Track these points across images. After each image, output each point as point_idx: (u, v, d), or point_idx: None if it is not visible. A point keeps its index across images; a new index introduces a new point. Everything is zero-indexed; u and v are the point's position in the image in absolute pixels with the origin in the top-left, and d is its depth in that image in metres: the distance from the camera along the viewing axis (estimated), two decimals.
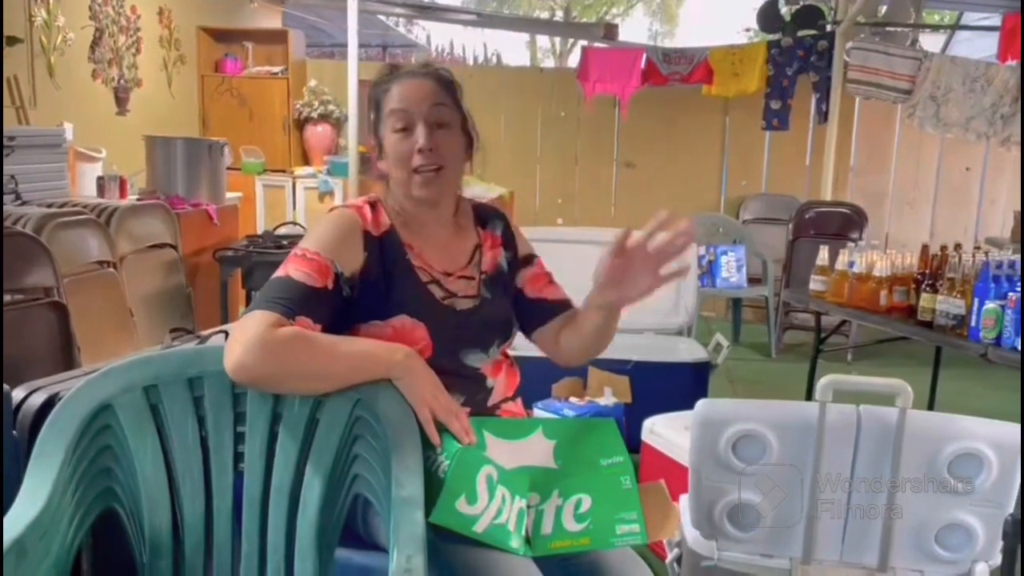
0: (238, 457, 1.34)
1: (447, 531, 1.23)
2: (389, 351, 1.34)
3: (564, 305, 1.60)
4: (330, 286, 1.36)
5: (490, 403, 1.50)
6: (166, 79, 5.50)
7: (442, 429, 1.32)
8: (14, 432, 1.47)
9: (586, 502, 1.34)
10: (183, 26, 5.63)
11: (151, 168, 4.34)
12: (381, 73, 1.52)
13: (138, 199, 3.97)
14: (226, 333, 1.94)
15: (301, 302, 1.31)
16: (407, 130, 1.43)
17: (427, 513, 1.21)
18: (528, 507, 1.33)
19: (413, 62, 1.56)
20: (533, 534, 1.31)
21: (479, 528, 1.24)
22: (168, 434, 1.32)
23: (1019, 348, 2.48)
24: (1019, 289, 2.53)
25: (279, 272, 1.36)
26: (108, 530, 1.33)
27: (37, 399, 1.53)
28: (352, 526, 1.41)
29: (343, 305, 1.39)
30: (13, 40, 3.83)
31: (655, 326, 3.59)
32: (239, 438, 1.34)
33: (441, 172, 1.44)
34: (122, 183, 3.97)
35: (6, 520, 1.12)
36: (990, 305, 2.55)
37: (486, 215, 1.61)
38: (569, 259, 3.53)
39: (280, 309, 1.28)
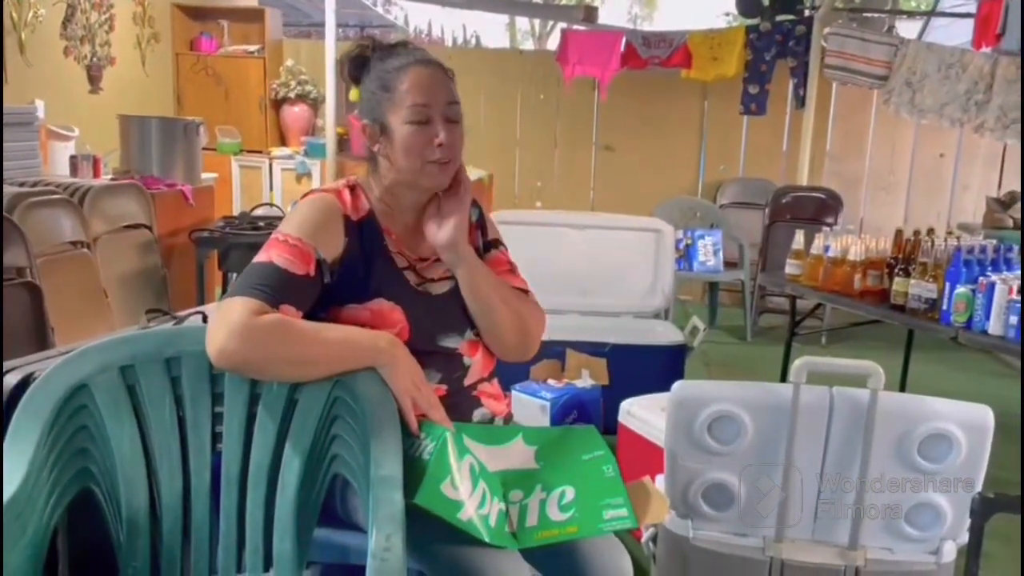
0: (216, 437, 1.34)
1: (429, 526, 1.23)
2: (373, 339, 1.34)
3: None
4: (312, 273, 1.35)
5: (467, 382, 1.50)
6: (140, 57, 5.41)
7: (421, 419, 1.33)
8: None
9: (570, 493, 1.34)
10: (157, 3, 5.54)
11: (125, 147, 4.28)
12: (374, 47, 1.50)
13: (112, 179, 3.92)
14: (203, 315, 1.93)
15: (284, 289, 1.31)
16: (425, 123, 1.43)
17: (409, 496, 1.21)
18: (511, 504, 1.34)
19: (397, 42, 1.54)
20: (518, 527, 1.31)
21: (463, 516, 1.24)
22: (145, 414, 1.31)
23: (988, 331, 2.52)
24: (989, 274, 2.57)
25: (261, 257, 1.34)
26: (84, 510, 1.32)
27: (12, 379, 1.51)
28: (331, 506, 1.41)
29: (323, 291, 1.39)
30: None
31: (633, 309, 3.61)
32: (217, 418, 1.34)
33: (451, 164, 1.47)
34: (95, 162, 3.91)
35: None
36: (961, 289, 2.59)
37: None
38: (548, 242, 3.57)
39: (263, 296, 1.28)
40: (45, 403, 1.24)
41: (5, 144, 3.47)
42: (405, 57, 1.47)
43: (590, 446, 1.42)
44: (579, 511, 1.32)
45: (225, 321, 1.25)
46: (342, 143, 5.40)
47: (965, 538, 1.71)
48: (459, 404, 1.46)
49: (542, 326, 1.59)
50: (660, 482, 1.86)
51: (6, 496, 1.12)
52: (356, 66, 1.52)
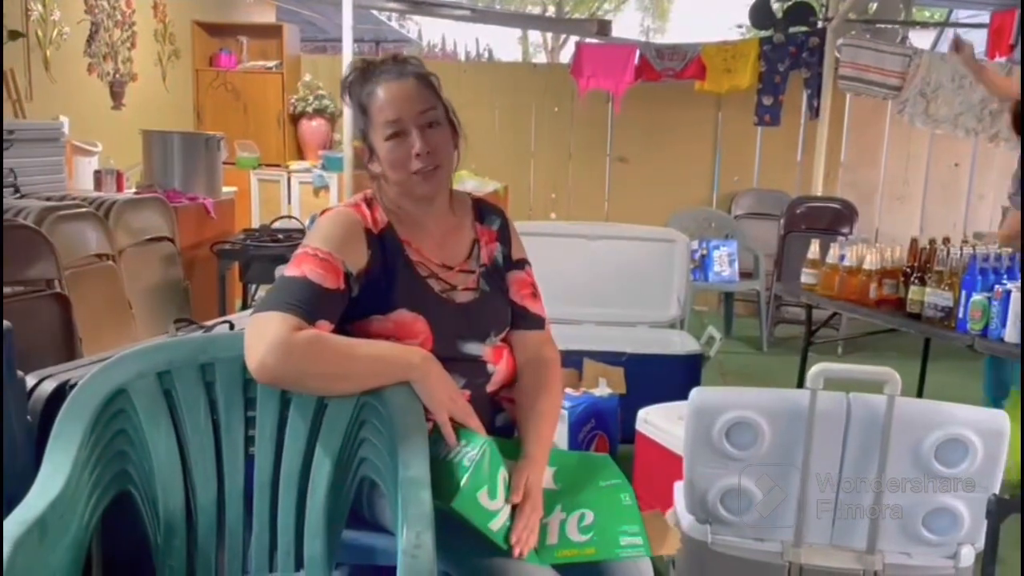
0: (249, 441, 1.38)
1: (458, 531, 1.26)
2: (407, 354, 1.38)
3: (537, 321, 1.62)
4: (342, 286, 1.39)
5: (490, 388, 1.53)
6: (161, 73, 5.51)
7: (458, 427, 1.37)
8: (28, 418, 1.51)
9: (589, 516, 1.38)
10: (178, 20, 5.64)
11: (148, 162, 4.35)
12: (356, 71, 1.53)
13: (135, 193, 3.99)
14: (230, 324, 1.98)
15: (318, 304, 1.34)
16: (400, 136, 1.46)
17: (446, 501, 1.25)
18: None
19: (386, 58, 1.57)
20: (539, 545, 1.34)
21: (495, 526, 1.28)
22: (181, 418, 1.36)
23: (1005, 339, 2.53)
24: (1005, 282, 2.58)
25: (292, 271, 1.38)
26: (120, 511, 1.36)
27: (48, 386, 1.56)
28: (357, 508, 1.45)
29: (349, 303, 1.43)
30: (16, 34, 3.84)
31: (649, 319, 3.64)
32: (250, 422, 1.38)
33: (438, 170, 1.49)
34: (119, 177, 3.98)
35: (28, 499, 1.16)
36: (977, 297, 2.60)
37: (485, 211, 1.65)
38: (563, 253, 3.59)
39: (300, 312, 1.31)
40: (86, 407, 1.28)
41: (33, 159, 3.55)
42: (379, 76, 1.49)
43: (607, 474, 1.46)
44: (597, 535, 1.36)
45: (264, 337, 1.28)
46: (359, 157, 5.45)
47: (982, 543, 1.72)
48: (481, 409, 1.48)
49: (561, 378, 1.63)
50: (679, 488, 1.89)
51: (52, 496, 1.16)
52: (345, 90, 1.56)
